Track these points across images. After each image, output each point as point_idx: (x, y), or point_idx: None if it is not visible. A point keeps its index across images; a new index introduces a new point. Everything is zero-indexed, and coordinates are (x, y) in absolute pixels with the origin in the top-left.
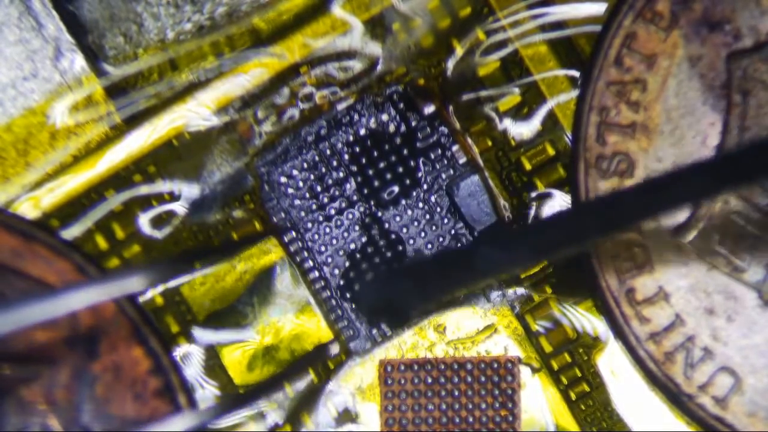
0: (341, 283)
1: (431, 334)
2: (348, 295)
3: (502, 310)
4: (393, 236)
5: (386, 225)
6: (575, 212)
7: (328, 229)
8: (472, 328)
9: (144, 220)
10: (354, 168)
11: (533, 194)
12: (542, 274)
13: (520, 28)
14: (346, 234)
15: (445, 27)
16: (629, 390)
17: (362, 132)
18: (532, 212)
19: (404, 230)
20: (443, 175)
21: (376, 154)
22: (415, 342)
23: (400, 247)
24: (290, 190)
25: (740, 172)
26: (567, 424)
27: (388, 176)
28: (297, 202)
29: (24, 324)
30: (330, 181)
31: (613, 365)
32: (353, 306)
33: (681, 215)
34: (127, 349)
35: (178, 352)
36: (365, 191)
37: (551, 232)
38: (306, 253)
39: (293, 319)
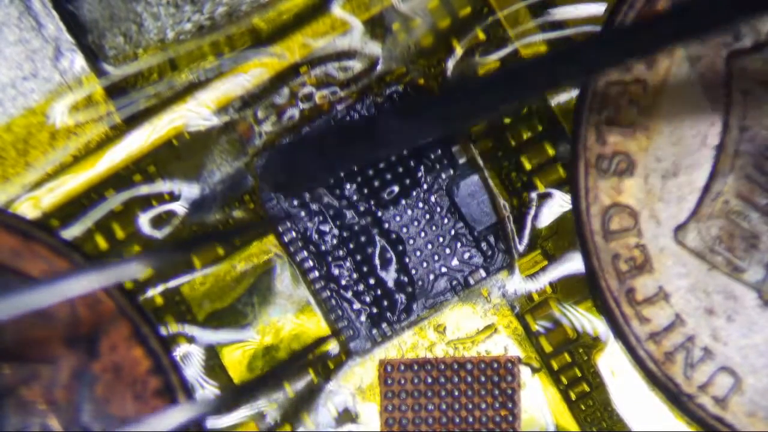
0: (342, 283)
1: (431, 334)
2: (257, 172)
3: (502, 310)
4: (393, 236)
5: (386, 225)
6: (476, 81)
7: (328, 229)
8: (472, 328)
9: (144, 220)
10: (354, 168)
11: (533, 194)
12: (543, 273)
13: (520, 28)
14: (346, 234)
15: (445, 27)
16: (629, 390)
17: None
18: (532, 212)
19: (404, 230)
20: (443, 175)
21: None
22: (415, 342)
23: (401, 247)
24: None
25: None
26: (567, 424)
27: (388, 176)
28: (296, 201)
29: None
30: (330, 181)
31: (613, 365)
32: (259, 178)
33: (681, 215)
34: (127, 349)
35: (178, 352)
36: (365, 191)
37: (453, 101)
38: (306, 253)
39: (293, 318)
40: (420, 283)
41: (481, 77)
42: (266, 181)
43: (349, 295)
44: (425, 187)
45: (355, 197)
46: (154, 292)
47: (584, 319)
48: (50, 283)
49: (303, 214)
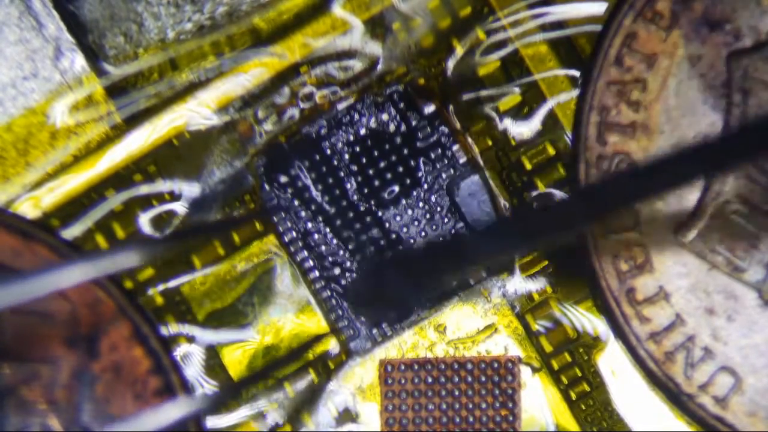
0: (342, 283)
1: (431, 334)
2: (341, 293)
3: (503, 310)
4: (393, 236)
5: (387, 225)
6: (566, 199)
7: (327, 229)
8: (473, 328)
9: (144, 220)
10: (354, 168)
11: (533, 194)
12: (543, 273)
13: (521, 28)
14: (346, 234)
15: (446, 27)
16: (629, 390)
17: (362, 132)
18: None
19: (404, 230)
20: (443, 175)
21: (376, 153)
22: (416, 342)
23: (401, 247)
24: (290, 190)
25: (736, 150)
26: (567, 424)
27: (388, 176)
28: (296, 202)
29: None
30: (330, 181)
31: (614, 365)
32: (348, 305)
33: (681, 215)
34: (127, 348)
35: (179, 351)
36: (365, 191)
37: (542, 218)
38: (306, 253)
39: (293, 318)
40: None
41: (561, 200)
42: (355, 303)
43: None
44: (426, 186)
45: (355, 197)
46: (154, 292)
47: (584, 318)
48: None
49: (303, 213)
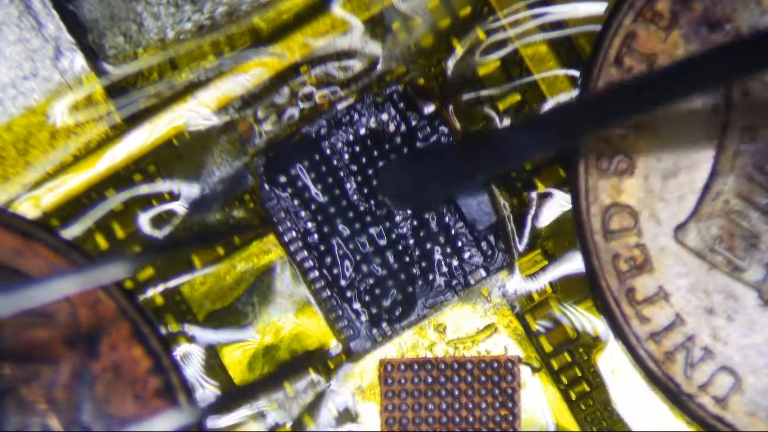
0: (342, 283)
1: (431, 334)
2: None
3: (503, 310)
4: (393, 236)
5: (386, 224)
6: (603, 95)
7: (328, 228)
8: (472, 328)
9: (144, 220)
10: (354, 168)
11: (533, 194)
12: (542, 273)
13: (520, 28)
14: (346, 233)
15: (446, 26)
16: (629, 390)
17: (362, 131)
18: (532, 212)
19: (404, 230)
20: None
21: (376, 153)
22: (415, 341)
23: (400, 247)
24: (290, 190)
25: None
26: (567, 424)
27: None
28: (296, 202)
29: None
30: (330, 180)
31: (613, 365)
32: (381, 192)
33: (681, 215)
34: (127, 349)
35: (178, 351)
36: (365, 191)
37: (579, 114)
38: (306, 253)
39: (293, 318)
40: (420, 282)
41: (598, 95)
42: (386, 192)
43: (349, 294)
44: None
45: (355, 197)
46: (154, 292)
47: (584, 318)
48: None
49: (303, 213)
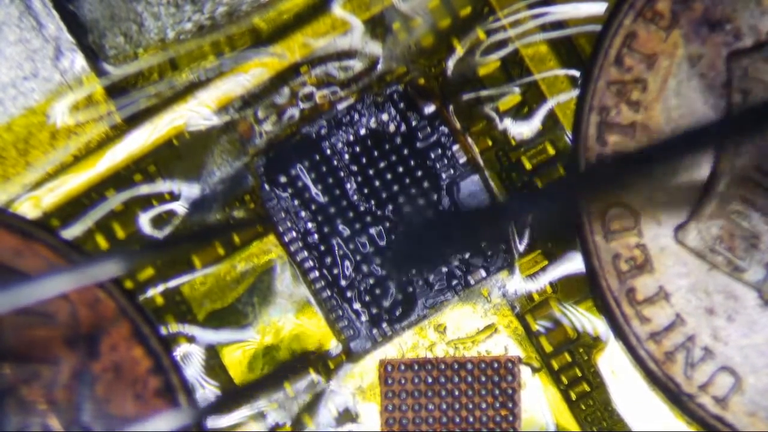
0: (342, 283)
1: (431, 334)
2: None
3: (503, 310)
4: (393, 236)
5: (386, 224)
6: (603, 164)
7: (328, 229)
8: (473, 328)
9: (144, 220)
10: (354, 168)
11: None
12: (543, 273)
13: (521, 28)
14: (346, 233)
15: (446, 26)
16: (629, 390)
17: (362, 132)
18: None
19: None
20: (443, 175)
21: (376, 153)
22: (416, 342)
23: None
24: (290, 190)
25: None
26: (567, 424)
27: (389, 176)
28: (296, 202)
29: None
30: (330, 181)
31: (614, 365)
32: (385, 267)
33: (681, 215)
34: (127, 348)
35: (179, 351)
36: (365, 191)
37: (575, 184)
38: (306, 253)
39: (293, 318)
40: (420, 282)
41: (598, 165)
42: (393, 264)
43: (349, 294)
44: (425, 186)
45: (355, 197)
46: (154, 292)
47: (584, 318)
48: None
49: (303, 213)
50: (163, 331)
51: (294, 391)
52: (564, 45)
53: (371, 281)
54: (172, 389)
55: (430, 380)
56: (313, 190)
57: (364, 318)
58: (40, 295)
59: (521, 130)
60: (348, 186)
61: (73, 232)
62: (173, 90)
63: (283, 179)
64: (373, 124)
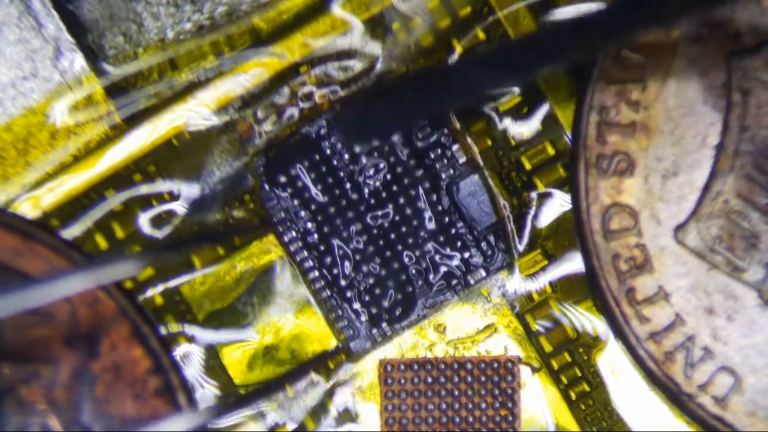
0: (342, 283)
1: (431, 334)
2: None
3: (503, 310)
4: (392, 236)
5: (386, 224)
6: (549, 31)
7: (327, 229)
8: (472, 328)
9: (144, 220)
10: (354, 168)
11: (533, 194)
12: (542, 273)
13: (520, 28)
14: (345, 234)
15: (445, 26)
16: (629, 390)
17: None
18: (532, 212)
19: (404, 229)
20: (443, 175)
21: (375, 153)
22: (415, 342)
23: (399, 247)
24: (290, 190)
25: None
26: (567, 424)
27: (388, 176)
28: (296, 202)
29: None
30: (330, 180)
31: (613, 365)
32: (337, 133)
33: (681, 215)
34: (127, 348)
35: (178, 351)
36: (365, 191)
37: (527, 50)
38: (306, 253)
39: (293, 318)
40: (420, 282)
41: (553, 28)
42: (341, 131)
43: (348, 294)
44: (425, 186)
45: (354, 197)
46: (154, 292)
47: (584, 318)
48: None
49: (303, 213)
50: (163, 331)
51: (294, 391)
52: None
53: (371, 281)
54: (171, 389)
55: (429, 380)
56: (313, 190)
57: (363, 318)
58: (46, 298)
59: (521, 130)
60: (348, 186)
61: (72, 232)
62: (173, 90)
63: (283, 179)
64: None
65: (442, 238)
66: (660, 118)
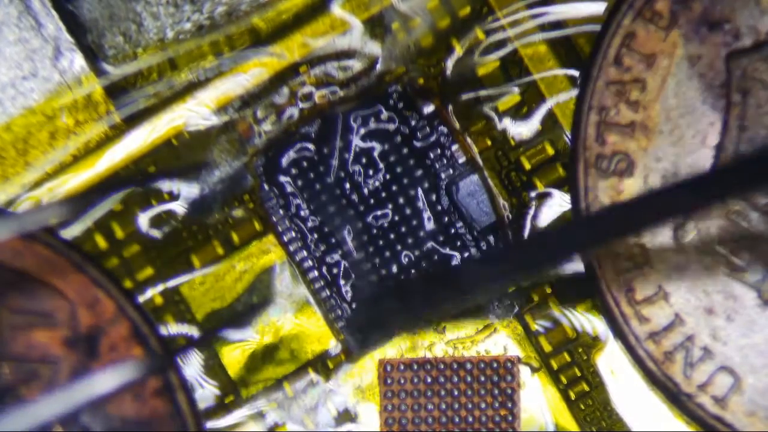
0: (341, 283)
1: (431, 334)
2: (340, 321)
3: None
4: (392, 236)
5: (385, 224)
6: (563, 228)
7: (327, 228)
8: (472, 328)
9: (143, 220)
10: (354, 168)
11: (533, 194)
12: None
13: (520, 28)
14: (345, 234)
15: (445, 26)
16: (629, 389)
17: (362, 131)
18: (532, 212)
19: (403, 230)
20: (443, 175)
21: (375, 153)
22: (415, 342)
23: (399, 247)
24: (289, 189)
25: (734, 184)
26: (566, 424)
27: (388, 176)
28: (296, 201)
29: None
30: (330, 180)
31: (613, 365)
32: (344, 332)
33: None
34: (126, 348)
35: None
36: (365, 191)
37: (539, 247)
38: (305, 253)
39: (293, 318)
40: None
41: (557, 229)
42: (352, 335)
43: (348, 294)
44: (425, 186)
45: (354, 197)
46: (153, 292)
47: (584, 318)
48: None
49: (303, 213)
50: (163, 330)
51: (293, 391)
52: (563, 45)
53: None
54: (171, 389)
55: (429, 380)
56: (313, 190)
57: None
58: None
59: (520, 130)
60: (348, 186)
61: (72, 232)
62: (172, 90)
63: (283, 179)
64: (372, 124)
65: (441, 238)
66: (659, 118)
